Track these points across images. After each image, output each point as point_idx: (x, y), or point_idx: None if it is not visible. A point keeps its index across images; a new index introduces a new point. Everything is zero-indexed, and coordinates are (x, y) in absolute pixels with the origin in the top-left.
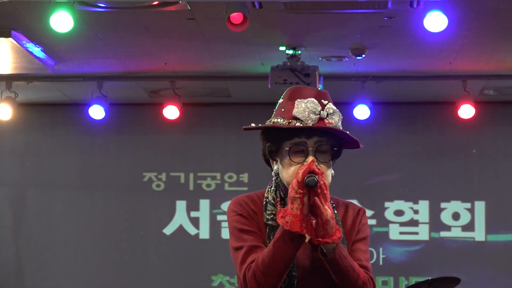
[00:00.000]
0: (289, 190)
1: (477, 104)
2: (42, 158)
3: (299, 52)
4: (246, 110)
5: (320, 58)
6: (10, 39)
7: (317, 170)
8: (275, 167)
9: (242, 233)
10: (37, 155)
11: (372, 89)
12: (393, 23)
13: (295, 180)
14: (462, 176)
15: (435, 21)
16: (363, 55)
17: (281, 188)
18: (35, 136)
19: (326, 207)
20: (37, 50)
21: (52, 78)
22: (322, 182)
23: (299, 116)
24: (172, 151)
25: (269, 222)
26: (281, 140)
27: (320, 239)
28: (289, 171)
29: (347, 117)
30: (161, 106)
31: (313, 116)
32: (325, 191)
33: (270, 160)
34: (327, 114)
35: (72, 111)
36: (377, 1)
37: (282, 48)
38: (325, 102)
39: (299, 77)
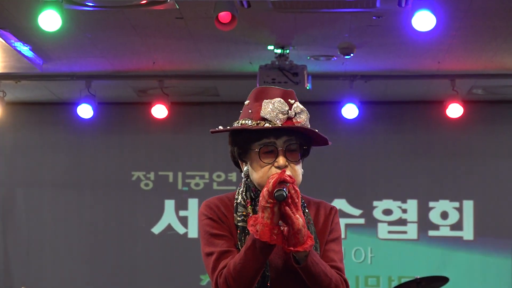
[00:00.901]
0: (260, 199)
1: (465, 103)
2: (31, 157)
3: (288, 51)
4: (235, 109)
5: (308, 57)
6: None
7: (288, 179)
8: (245, 169)
9: (213, 238)
10: (26, 154)
11: (360, 88)
12: (381, 22)
13: (265, 189)
14: (451, 175)
15: (424, 20)
16: (352, 54)
17: (252, 189)
18: (24, 135)
19: (297, 216)
20: (25, 49)
21: (41, 77)
22: (293, 191)
23: (267, 116)
24: (161, 150)
25: (240, 224)
26: (250, 142)
27: (292, 248)
28: (259, 173)
29: (336, 116)
30: (149, 105)
31: (281, 116)
32: (296, 200)
33: (240, 162)
34: (295, 113)
35: (60, 110)
36: (365, 0)
37: (270, 47)
38: (292, 101)
39: (287, 76)
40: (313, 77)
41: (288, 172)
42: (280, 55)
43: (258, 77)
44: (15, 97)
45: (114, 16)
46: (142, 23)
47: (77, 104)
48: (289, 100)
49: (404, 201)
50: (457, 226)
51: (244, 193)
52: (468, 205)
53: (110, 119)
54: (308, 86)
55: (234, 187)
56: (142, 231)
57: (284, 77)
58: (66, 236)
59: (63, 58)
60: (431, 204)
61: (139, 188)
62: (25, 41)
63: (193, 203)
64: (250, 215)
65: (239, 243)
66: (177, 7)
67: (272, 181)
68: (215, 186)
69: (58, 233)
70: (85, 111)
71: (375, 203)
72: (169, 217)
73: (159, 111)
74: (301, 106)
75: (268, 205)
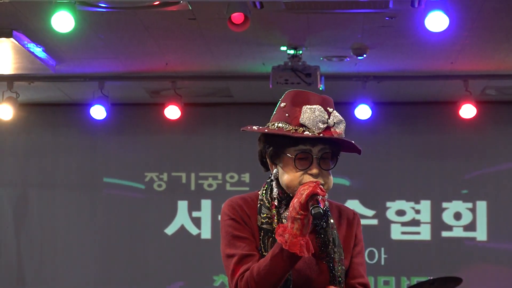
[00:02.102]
0: (290, 210)
1: (478, 104)
2: (44, 158)
3: (300, 52)
4: (248, 110)
5: (321, 58)
6: (12, 39)
7: (320, 192)
8: (274, 171)
9: (235, 240)
10: (39, 155)
11: (373, 89)
12: (394, 23)
13: (296, 200)
14: (464, 175)
15: (436, 21)
16: (364, 55)
17: (278, 191)
18: (37, 136)
19: None
20: (38, 50)
21: (54, 78)
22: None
23: (307, 124)
24: (174, 151)
25: (264, 226)
26: (285, 146)
27: None
28: (290, 176)
29: (349, 117)
30: (162, 106)
31: (321, 125)
32: None
33: (269, 163)
34: (334, 123)
35: (73, 111)
36: (378, 1)
37: (283, 48)
38: (331, 110)
39: (300, 77)
40: (326, 78)
41: (321, 180)
42: (293, 56)
43: (271, 78)
44: (28, 98)
45: (127, 17)
46: (154, 24)
47: (90, 105)
48: (328, 108)
49: (417, 202)
50: (471, 227)
51: (269, 195)
52: (482, 206)
53: (123, 120)
54: (321, 87)
55: (247, 188)
56: (155, 232)
57: (297, 78)
58: (79, 237)
59: (76, 59)
60: (444, 205)
61: (152, 189)
62: (38, 43)
63: (206, 204)
64: (275, 217)
65: (262, 245)
66: (190, 8)
67: (305, 193)
68: (228, 187)
69: (71, 233)
70: (98, 112)
71: (388, 203)
72: (182, 218)
73: (172, 112)
74: (339, 116)
75: (299, 216)
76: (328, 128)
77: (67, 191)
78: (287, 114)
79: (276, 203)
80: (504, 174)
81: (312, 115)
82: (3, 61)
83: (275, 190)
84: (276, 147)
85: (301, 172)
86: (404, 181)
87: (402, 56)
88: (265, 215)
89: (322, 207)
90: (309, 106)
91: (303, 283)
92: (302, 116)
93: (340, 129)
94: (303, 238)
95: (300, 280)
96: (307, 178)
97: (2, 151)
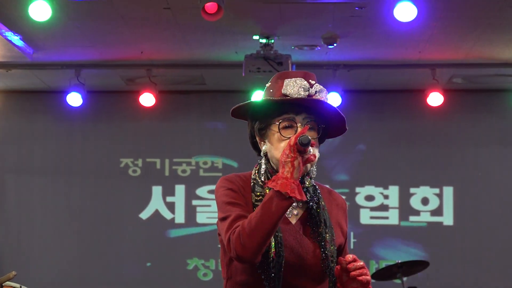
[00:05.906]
0: (280, 156)
1: (445, 92)
2: (20, 144)
3: (272, 41)
4: (221, 97)
5: (292, 47)
6: None
7: (309, 137)
8: (263, 148)
9: (230, 205)
10: (15, 142)
11: (343, 77)
12: (364, 13)
13: (287, 145)
14: (431, 162)
15: (405, 11)
16: (335, 44)
17: (269, 170)
18: (13, 123)
19: None
20: (16, 39)
21: (31, 66)
22: None
23: (289, 93)
24: (148, 137)
25: (258, 204)
26: (270, 117)
27: None
28: (279, 148)
29: None
30: (137, 93)
31: (302, 92)
32: None
33: (258, 141)
34: (316, 91)
35: (50, 98)
36: None
37: (255, 37)
38: (313, 82)
39: (272, 66)
40: (297, 66)
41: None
42: (265, 44)
43: (244, 66)
44: (6, 85)
45: (103, 6)
46: (130, 13)
47: (67, 92)
48: (310, 80)
49: (385, 187)
50: (437, 211)
51: (261, 173)
52: (448, 191)
53: (99, 107)
54: None
55: (220, 174)
56: (130, 216)
57: (269, 66)
58: (56, 222)
59: (53, 47)
60: (412, 190)
61: (127, 175)
62: (15, 31)
63: (179, 189)
64: None
65: None
66: None
67: (294, 136)
68: (201, 173)
69: (48, 219)
70: (74, 99)
71: (357, 189)
72: (156, 203)
73: (147, 99)
74: (321, 86)
75: (289, 159)
76: (310, 96)
77: (43, 177)
78: (271, 90)
79: (263, 179)
80: (469, 160)
81: (293, 84)
82: None
83: (263, 166)
84: (261, 120)
85: (287, 141)
86: (373, 167)
87: (372, 45)
88: (258, 193)
89: (310, 160)
90: (290, 79)
91: (295, 262)
92: (284, 87)
93: (321, 97)
94: (294, 181)
95: (293, 258)
96: None
97: None
